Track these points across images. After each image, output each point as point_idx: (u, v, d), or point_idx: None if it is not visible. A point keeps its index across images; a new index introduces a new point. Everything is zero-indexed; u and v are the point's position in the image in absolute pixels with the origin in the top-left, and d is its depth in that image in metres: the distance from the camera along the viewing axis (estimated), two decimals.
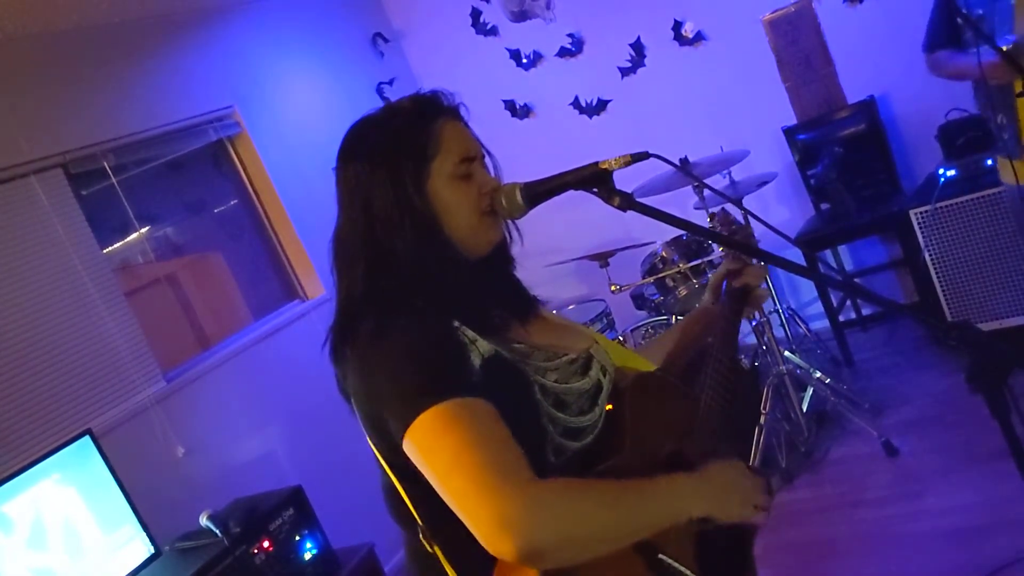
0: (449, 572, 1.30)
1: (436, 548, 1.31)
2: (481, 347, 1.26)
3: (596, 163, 1.31)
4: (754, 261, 1.62)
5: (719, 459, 1.34)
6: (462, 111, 1.41)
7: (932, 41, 3.00)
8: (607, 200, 1.31)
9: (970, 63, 2.75)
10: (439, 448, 1.13)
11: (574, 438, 1.31)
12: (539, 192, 1.34)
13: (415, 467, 1.19)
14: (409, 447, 1.17)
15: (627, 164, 1.30)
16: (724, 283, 1.63)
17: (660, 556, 1.28)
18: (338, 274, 1.36)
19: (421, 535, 1.32)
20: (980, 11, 2.70)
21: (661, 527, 1.22)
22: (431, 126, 1.34)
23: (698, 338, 1.69)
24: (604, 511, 1.15)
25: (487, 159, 1.41)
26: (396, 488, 1.32)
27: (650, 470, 1.26)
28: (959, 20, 2.85)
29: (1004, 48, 2.52)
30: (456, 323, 1.26)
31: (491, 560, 1.19)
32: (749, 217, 1.64)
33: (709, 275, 3.96)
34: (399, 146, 1.32)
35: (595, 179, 1.31)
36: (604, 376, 1.39)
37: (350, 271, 1.33)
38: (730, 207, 3.80)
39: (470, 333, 1.26)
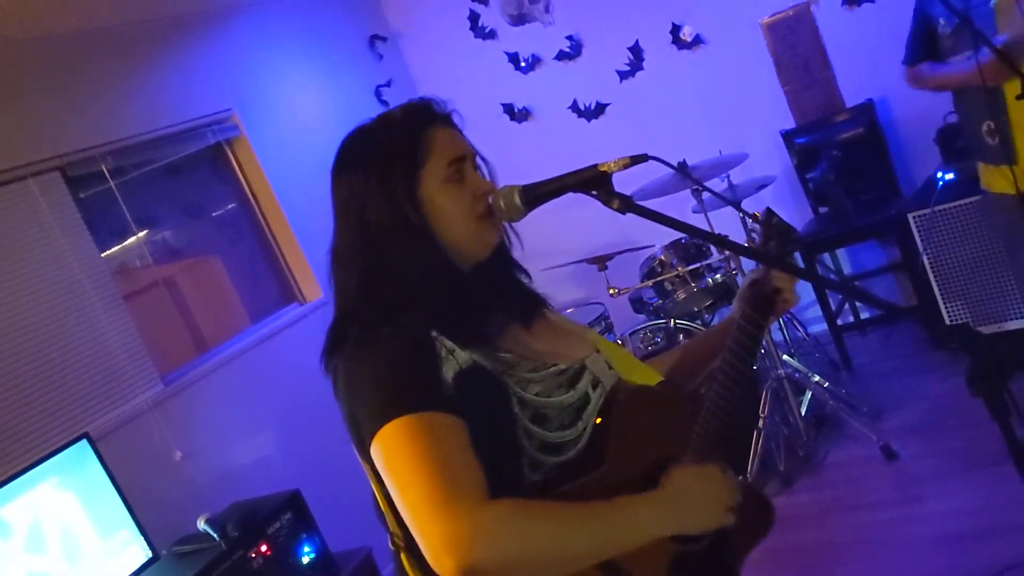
0: None
1: (403, 555, 1.31)
2: (459, 358, 1.25)
3: (595, 165, 1.31)
4: (750, 263, 1.58)
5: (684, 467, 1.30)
6: (455, 118, 1.41)
7: (913, 55, 3.02)
8: (606, 203, 1.31)
9: (956, 70, 2.78)
10: (398, 459, 1.15)
11: (553, 453, 1.29)
12: (538, 194, 1.33)
13: None
14: (375, 454, 1.18)
15: (626, 166, 1.30)
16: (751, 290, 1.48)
17: None
18: (335, 286, 1.37)
19: (391, 541, 1.33)
20: (956, 19, 2.71)
21: (623, 549, 1.21)
22: (421, 133, 1.34)
23: (717, 349, 1.53)
24: (554, 534, 1.14)
25: (482, 165, 1.40)
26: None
27: (628, 488, 1.24)
28: (938, 30, 2.86)
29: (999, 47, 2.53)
30: (435, 333, 1.26)
31: None
32: (756, 220, 1.53)
33: (708, 279, 3.96)
34: (390, 155, 1.32)
35: (594, 181, 1.31)
36: (594, 389, 1.36)
37: (345, 282, 1.34)
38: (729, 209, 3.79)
39: (448, 344, 1.25)
